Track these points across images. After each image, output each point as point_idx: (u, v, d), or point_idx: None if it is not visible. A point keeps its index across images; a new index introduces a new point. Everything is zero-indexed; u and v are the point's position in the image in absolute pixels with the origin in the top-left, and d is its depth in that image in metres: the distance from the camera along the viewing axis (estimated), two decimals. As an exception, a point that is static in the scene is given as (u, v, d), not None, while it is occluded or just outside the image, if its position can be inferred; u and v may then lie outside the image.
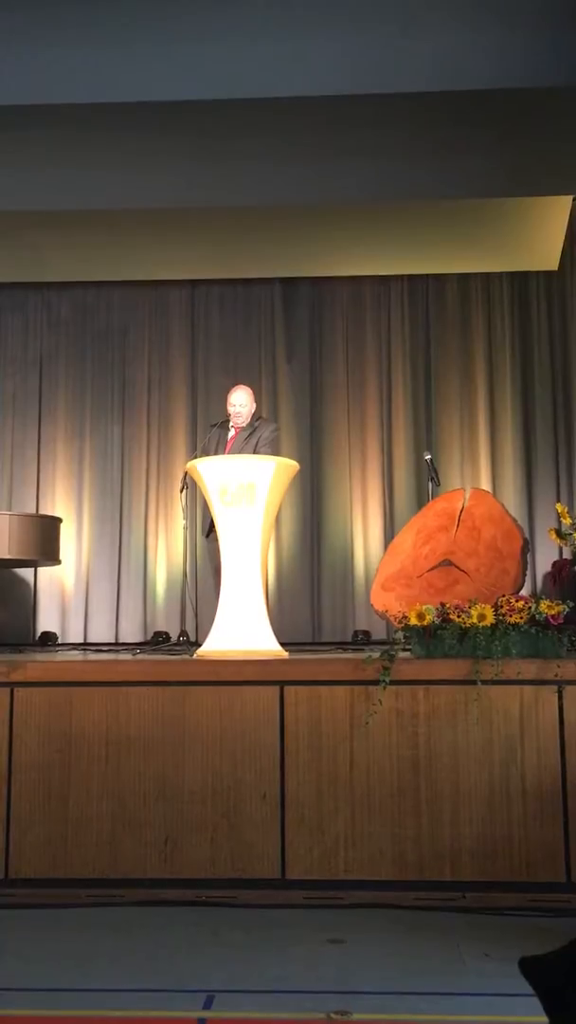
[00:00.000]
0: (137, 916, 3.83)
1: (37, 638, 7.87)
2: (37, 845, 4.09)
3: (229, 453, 5.72)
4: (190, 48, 5.44)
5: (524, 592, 5.02)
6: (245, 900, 3.92)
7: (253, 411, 5.93)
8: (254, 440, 5.76)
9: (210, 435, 5.98)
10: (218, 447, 5.85)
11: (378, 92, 5.46)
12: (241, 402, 5.84)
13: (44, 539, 6.66)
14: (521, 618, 4.17)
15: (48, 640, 7.82)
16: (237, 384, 6.10)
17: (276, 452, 5.82)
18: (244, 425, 5.85)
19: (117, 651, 6.98)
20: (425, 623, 4.25)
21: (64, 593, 8.09)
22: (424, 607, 4.30)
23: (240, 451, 5.68)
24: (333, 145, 6.02)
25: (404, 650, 4.34)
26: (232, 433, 5.88)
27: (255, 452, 5.65)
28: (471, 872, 3.96)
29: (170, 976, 3.17)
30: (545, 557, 7.55)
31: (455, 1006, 2.91)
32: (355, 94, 5.47)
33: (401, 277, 8.29)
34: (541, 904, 3.83)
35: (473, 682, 4.04)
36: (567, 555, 7.00)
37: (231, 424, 5.88)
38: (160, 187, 6.42)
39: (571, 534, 5.26)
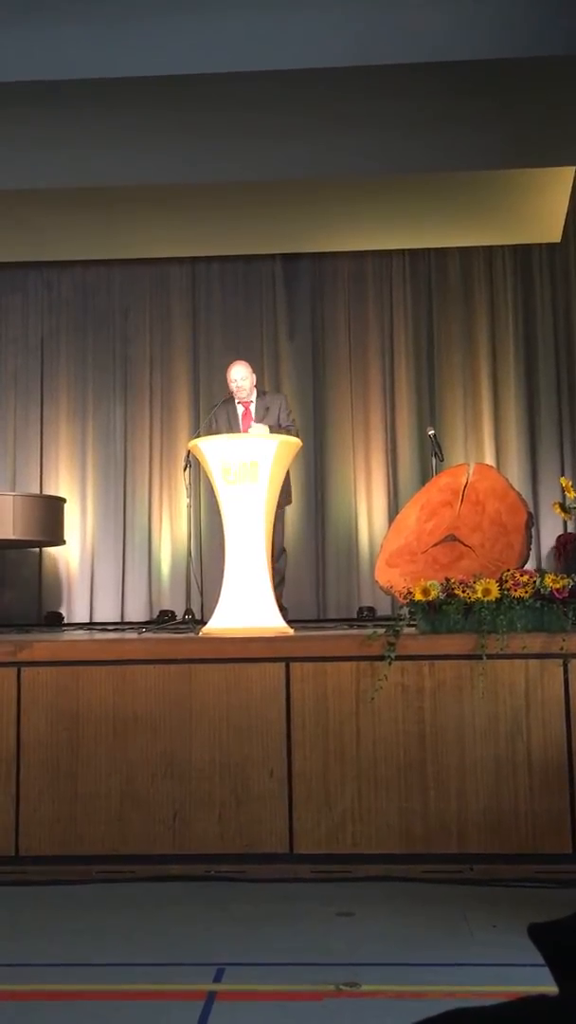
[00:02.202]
0: (147, 891, 3.86)
1: (43, 618, 7.90)
2: (47, 822, 4.12)
3: (247, 430, 5.73)
4: (187, 22, 5.38)
5: (529, 566, 5.02)
6: (254, 874, 3.94)
7: (254, 382, 5.96)
8: (273, 415, 5.77)
9: (217, 415, 5.97)
10: (230, 425, 5.85)
11: (378, 63, 5.41)
12: (242, 376, 5.87)
13: (48, 519, 6.67)
14: (526, 592, 4.16)
15: (54, 620, 7.84)
16: (234, 360, 6.10)
17: (296, 430, 5.85)
18: (251, 399, 5.88)
19: (123, 630, 7.01)
20: (430, 598, 4.25)
21: (69, 573, 8.11)
22: (429, 582, 4.30)
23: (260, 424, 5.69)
24: (333, 118, 5.97)
25: (409, 626, 4.34)
26: (242, 410, 5.90)
27: (278, 429, 5.65)
28: (478, 845, 3.99)
29: (180, 950, 3.20)
30: (550, 531, 7.55)
31: (463, 976, 2.94)
32: (355, 66, 5.41)
33: (403, 251, 8.24)
34: (548, 875, 3.85)
35: (478, 656, 4.04)
36: (571, 529, 7.00)
37: (236, 400, 5.90)
38: (158, 163, 6.38)
39: (575, 508, 5.25)
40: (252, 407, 5.91)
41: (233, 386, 5.89)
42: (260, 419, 5.80)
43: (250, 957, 3.11)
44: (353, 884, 3.86)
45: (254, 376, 5.99)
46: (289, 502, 6.18)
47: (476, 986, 2.83)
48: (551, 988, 1.03)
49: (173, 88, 5.58)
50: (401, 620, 4.32)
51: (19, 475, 8.21)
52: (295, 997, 2.81)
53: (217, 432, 5.73)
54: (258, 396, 5.95)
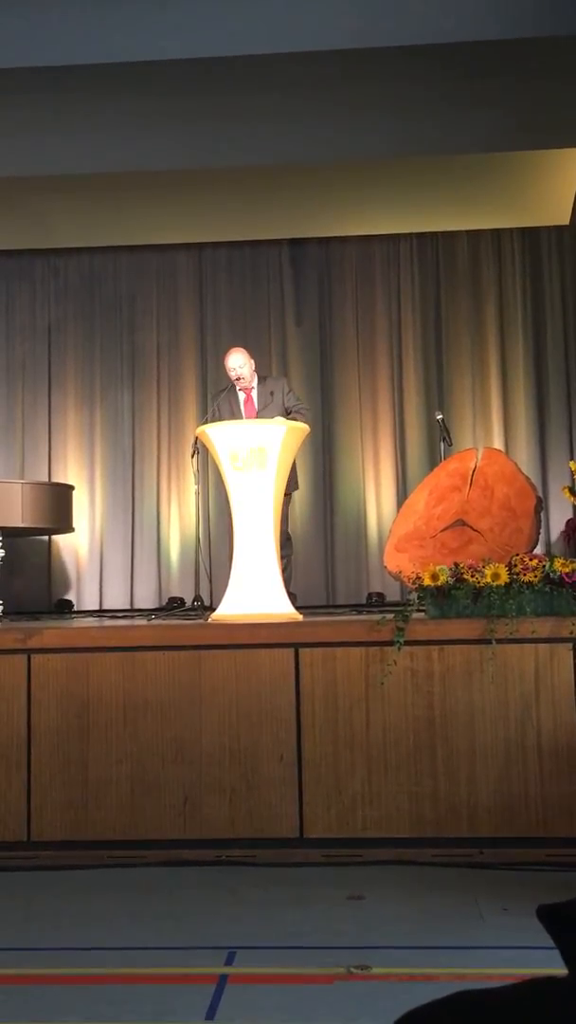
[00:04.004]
0: (158, 876, 3.88)
1: (53, 606, 7.92)
2: (58, 808, 4.14)
3: (256, 416, 5.70)
4: (191, 6, 5.35)
5: (538, 551, 5.00)
6: (264, 859, 3.96)
7: (254, 368, 5.92)
8: (278, 401, 5.74)
9: (220, 404, 5.95)
10: (233, 412, 5.83)
11: (384, 46, 5.37)
12: (239, 364, 5.82)
13: (57, 507, 6.67)
14: (535, 576, 4.15)
15: (64, 607, 7.87)
16: (229, 349, 6.06)
17: (306, 408, 5.86)
18: (252, 385, 5.84)
19: (132, 617, 7.02)
20: (439, 583, 4.24)
21: (79, 561, 8.13)
22: (438, 567, 4.29)
23: (265, 413, 5.64)
24: (339, 101, 5.93)
25: (418, 611, 4.34)
26: (243, 396, 5.87)
27: (289, 414, 5.61)
28: (488, 828, 3.99)
29: (192, 934, 3.21)
30: (559, 515, 7.52)
31: (474, 959, 2.95)
32: (361, 48, 5.37)
33: (410, 235, 8.20)
34: (558, 859, 3.85)
35: (488, 641, 4.04)
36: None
37: (238, 388, 5.87)
38: (163, 149, 6.35)
39: (585, 492, 5.23)
40: (254, 393, 5.87)
41: (232, 375, 5.85)
42: (264, 405, 5.75)
43: (261, 941, 3.13)
44: (363, 868, 3.87)
45: (252, 362, 5.93)
46: (296, 488, 6.16)
47: (487, 969, 2.84)
48: (562, 971, 1.03)
49: (178, 73, 5.55)
50: (410, 605, 4.32)
51: (27, 463, 8.22)
52: (306, 980, 2.83)
53: (220, 421, 5.69)
54: (259, 382, 5.91)
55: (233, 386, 5.88)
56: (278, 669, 4.15)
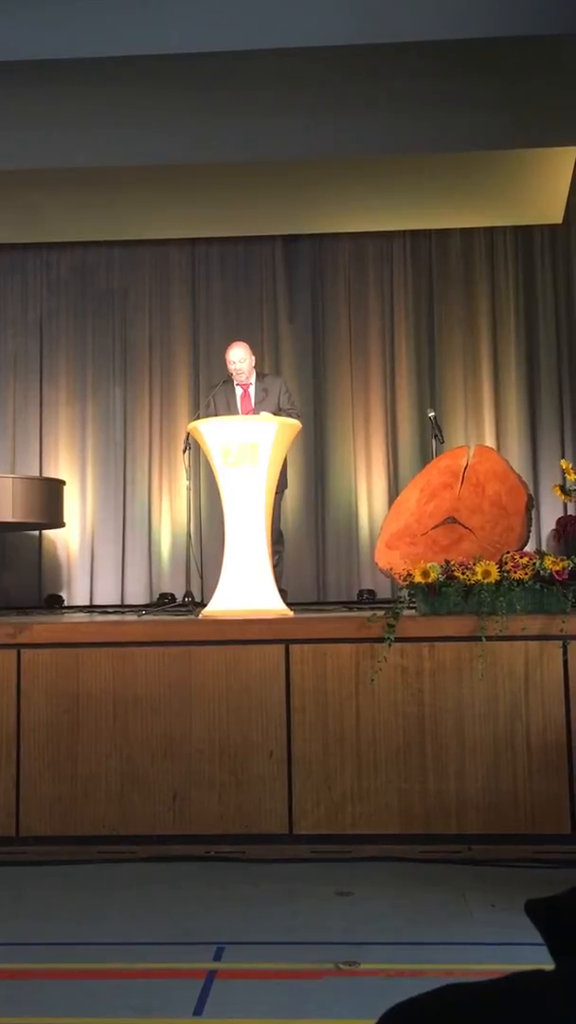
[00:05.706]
0: (147, 871, 3.87)
1: (43, 601, 7.90)
2: (47, 803, 4.13)
3: (250, 412, 5.70)
4: (187, 0, 5.34)
5: (529, 548, 5.01)
6: (253, 855, 3.96)
7: (253, 364, 5.92)
8: (273, 399, 5.74)
9: (216, 398, 5.94)
10: (229, 406, 5.82)
11: (379, 42, 5.36)
12: (240, 358, 5.82)
13: (48, 502, 6.66)
14: (526, 574, 4.16)
15: (55, 603, 7.85)
16: (233, 342, 6.06)
17: (297, 413, 5.83)
18: (250, 381, 5.84)
19: (123, 612, 7.01)
20: (430, 580, 4.24)
21: (69, 556, 8.11)
22: (429, 564, 4.29)
23: (260, 410, 5.65)
24: (334, 97, 5.93)
25: (409, 608, 4.35)
26: (240, 392, 5.86)
27: (279, 413, 5.61)
28: (477, 825, 4.00)
29: (181, 929, 3.21)
30: (550, 513, 7.54)
31: (462, 955, 2.95)
32: (356, 44, 5.37)
33: (404, 232, 8.20)
34: (546, 856, 3.86)
35: (478, 638, 4.05)
36: (572, 511, 7.00)
37: (235, 382, 5.86)
38: (157, 143, 6.33)
39: (575, 490, 5.24)
40: (251, 389, 5.87)
41: (232, 368, 5.84)
42: (259, 402, 5.77)
43: (250, 936, 3.13)
44: (352, 864, 3.87)
45: (253, 358, 5.93)
46: (285, 487, 6.16)
47: (474, 964, 2.85)
48: (548, 967, 1.03)
49: (173, 67, 5.54)
50: (401, 602, 4.32)
51: (18, 457, 8.20)
52: (295, 976, 2.83)
53: (215, 414, 5.70)
54: (257, 378, 5.91)
55: (230, 380, 5.87)
56: (268, 665, 4.15)
